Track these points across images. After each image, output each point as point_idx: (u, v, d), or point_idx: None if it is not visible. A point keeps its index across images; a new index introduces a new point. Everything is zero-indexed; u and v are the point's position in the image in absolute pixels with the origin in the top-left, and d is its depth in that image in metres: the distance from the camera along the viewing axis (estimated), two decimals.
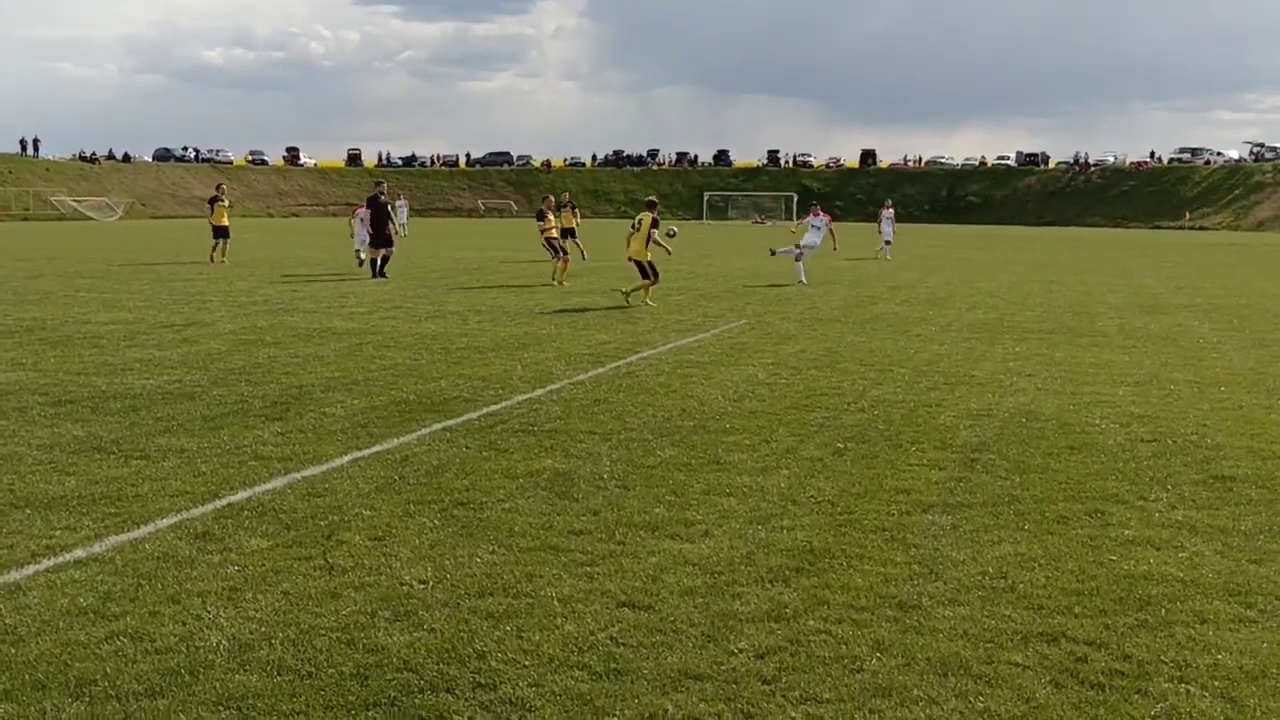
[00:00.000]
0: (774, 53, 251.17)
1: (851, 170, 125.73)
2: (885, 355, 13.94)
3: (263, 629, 4.95)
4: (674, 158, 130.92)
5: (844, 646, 4.92)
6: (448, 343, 14.63)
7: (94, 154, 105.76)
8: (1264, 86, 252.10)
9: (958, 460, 8.36)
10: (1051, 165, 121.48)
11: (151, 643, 4.78)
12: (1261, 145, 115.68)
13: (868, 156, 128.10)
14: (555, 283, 24.52)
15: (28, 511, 6.66)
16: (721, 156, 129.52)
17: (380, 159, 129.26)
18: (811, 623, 5.17)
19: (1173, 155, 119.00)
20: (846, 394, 11.12)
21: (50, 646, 4.71)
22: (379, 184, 27.51)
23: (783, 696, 4.43)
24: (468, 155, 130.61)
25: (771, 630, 5.08)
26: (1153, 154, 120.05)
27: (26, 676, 4.42)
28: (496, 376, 11.91)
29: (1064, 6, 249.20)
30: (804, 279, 25.61)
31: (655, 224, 20.45)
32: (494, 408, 10.16)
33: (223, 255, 30.27)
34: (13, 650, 4.67)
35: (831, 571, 5.88)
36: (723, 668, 4.67)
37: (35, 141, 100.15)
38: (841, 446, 8.75)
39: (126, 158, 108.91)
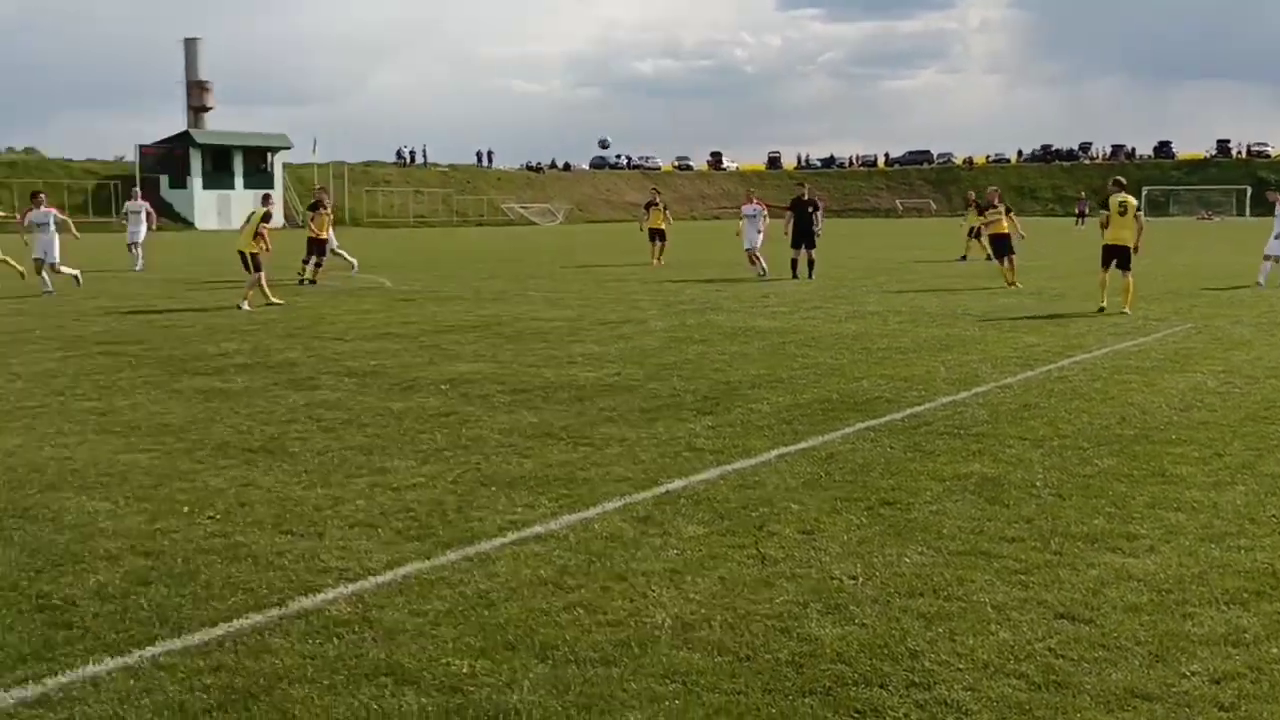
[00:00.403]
0: (1222, 35, 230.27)
1: None
2: None
3: (702, 611, 5.22)
4: (1108, 151, 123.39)
5: None
6: (868, 343, 14.63)
7: (539, 164, 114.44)
8: None
9: None
10: None
11: (604, 615, 5.16)
12: None
13: None
14: (1009, 285, 23.45)
15: (493, 489, 7.36)
16: (1163, 148, 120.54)
17: (799, 161, 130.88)
18: (1275, 650, 4.76)
19: None
20: None
21: (517, 612, 5.20)
22: (800, 186, 27.98)
23: None
24: (886, 155, 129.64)
25: (1228, 655, 4.72)
26: None
27: (498, 637, 4.91)
28: (919, 378, 11.79)
29: None
30: (1262, 280, 23.19)
31: (1140, 206, 18.61)
32: (917, 409, 10.07)
33: (657, 257, 31.86)
34: (486, 613, 5.19)
35: None
36: (1173, 690, 4.41)
37: (489, 154, 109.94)
38: None
39: (567, 166, 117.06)
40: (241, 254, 20.47)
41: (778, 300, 20.85)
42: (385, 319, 17.95)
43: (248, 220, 21.11)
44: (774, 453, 8.37)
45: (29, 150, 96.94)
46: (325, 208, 25.95)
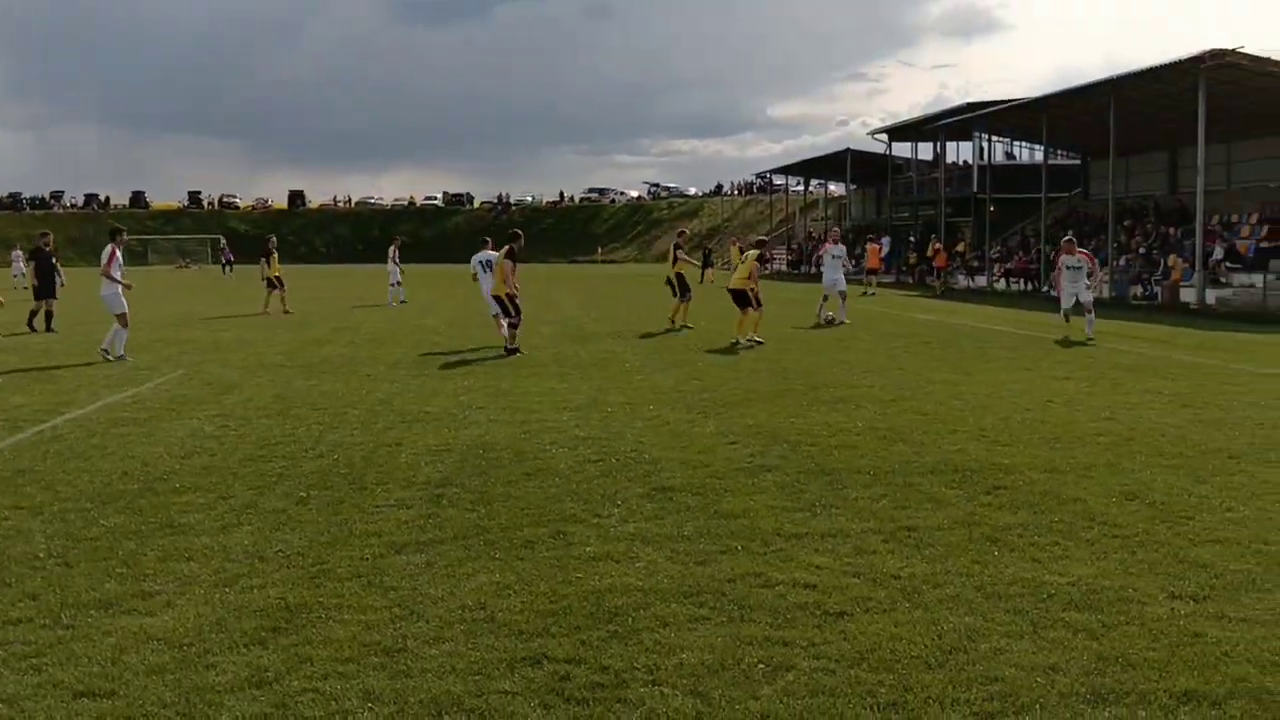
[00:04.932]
0: (193, 92, 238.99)
1: (280, 211, 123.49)
2: (338, 398, 13.76)
3: None
4: (82, 200, 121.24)
5: (334, 702, 4.76)
6: None
7: None
8: (655, 133, 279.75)
9: (424, 497, 8.42)
10: (476, 205, 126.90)
11: None
12: (657, 185, 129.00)
13: (296, 197, 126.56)
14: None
15: None
16: (137, 198, 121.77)
17: None
18: (296, 683, 4.95)
19: (583, 195, 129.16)
20: (303, 440, 10.82)
21: None
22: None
23: None
24: None
25: (255, 698, 4.79)
26: (563, 194, 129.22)
27: None
28: None
29: (478, 57, 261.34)
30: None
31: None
32: None
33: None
34: None
35: (311, 626, 5.67)
36: None
37: None
38: (305, 495, 8.50)
39: None
40: None
41: None
42: None
43: None
44: None
45: None
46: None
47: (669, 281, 25.16)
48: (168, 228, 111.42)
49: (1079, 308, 21.72)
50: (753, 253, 21.98)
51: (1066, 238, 24.05)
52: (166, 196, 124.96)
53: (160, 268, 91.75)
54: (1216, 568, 6.52)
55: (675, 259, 25.16)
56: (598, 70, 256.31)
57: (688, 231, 32.35)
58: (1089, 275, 22.27)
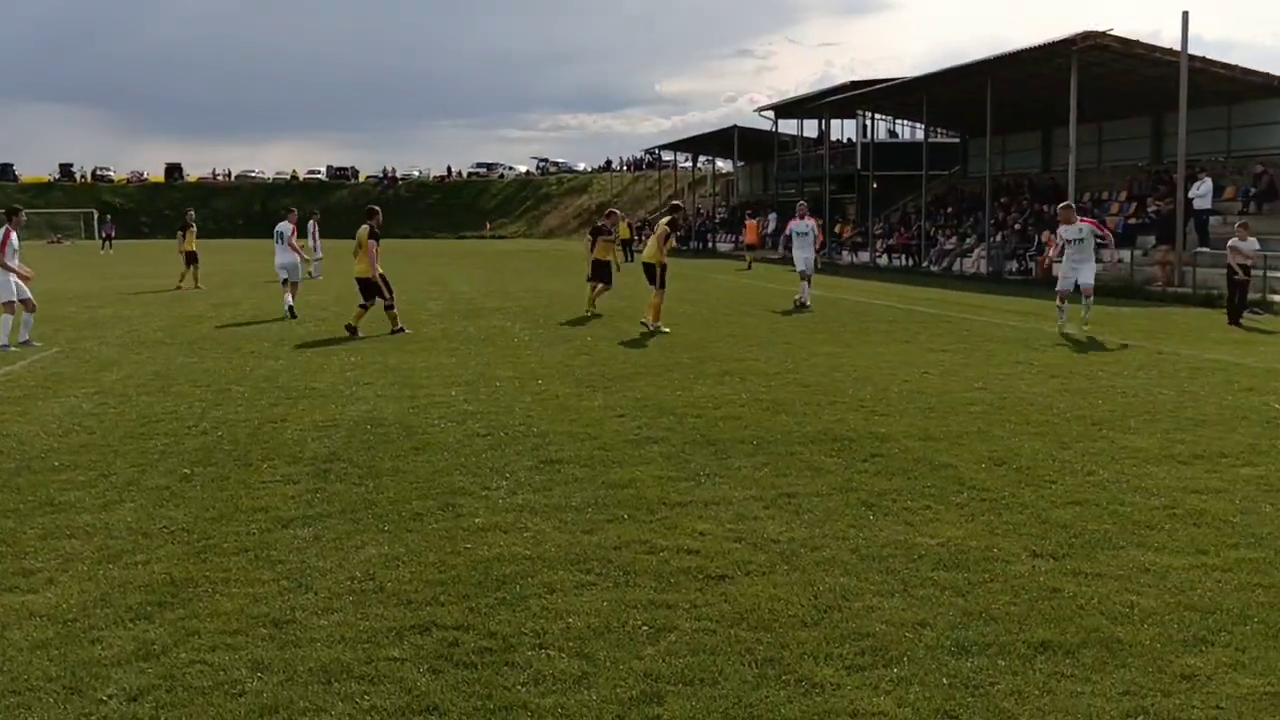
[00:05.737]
0: (61, 59, 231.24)
1: (157, 184, 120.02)
2: (221, 374, 13.57)
3: None
4: None
5: (222, 673, 4.79)
6: None
7: None
8: (544, 107, 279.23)
9: (310, 472, 8.41)
10: (362, 179, 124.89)
11: None
12: (546, 160, 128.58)
13: (174, 170, 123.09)
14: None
15: None
16: (5, 171, 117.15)
17: None
18: (184, 655, 4.97)
19: (471, 170, 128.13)
20: (185, 417, 10.68)
21: None
22: None
23: None
24: None
25: (142, 670, 4.81)
26: (450, 169, 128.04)
27: None
28: None
29: (363, 25, 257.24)
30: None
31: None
32: None
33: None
34: None
35: (198, 600, 5.68)
36: (92, 718, 4.36)
37: None
38: (189, 472, 8.43)
39: None
40: None
41: None
42: None
43: None
44: None
45: None
46: None
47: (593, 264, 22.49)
48: (38, 201, 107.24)
49: (1078, 291, 18.37)
50: (664, 220, 20.00)
51: (1064, 204, 19.98)
52: (36, 169, 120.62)
53: (32, 243, 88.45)
54: (1076, 528, 6.89)
55: (595, 243, 22.49)
56: (485, 43, 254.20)
57: (619, 213, 27.86)
58: (1100, 248, 18.20)
